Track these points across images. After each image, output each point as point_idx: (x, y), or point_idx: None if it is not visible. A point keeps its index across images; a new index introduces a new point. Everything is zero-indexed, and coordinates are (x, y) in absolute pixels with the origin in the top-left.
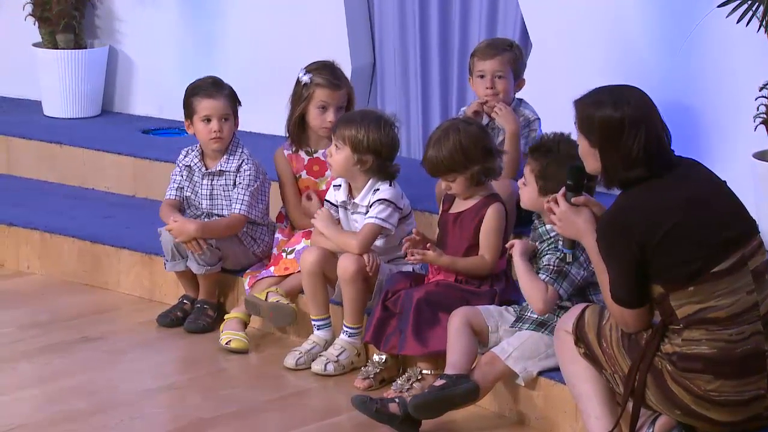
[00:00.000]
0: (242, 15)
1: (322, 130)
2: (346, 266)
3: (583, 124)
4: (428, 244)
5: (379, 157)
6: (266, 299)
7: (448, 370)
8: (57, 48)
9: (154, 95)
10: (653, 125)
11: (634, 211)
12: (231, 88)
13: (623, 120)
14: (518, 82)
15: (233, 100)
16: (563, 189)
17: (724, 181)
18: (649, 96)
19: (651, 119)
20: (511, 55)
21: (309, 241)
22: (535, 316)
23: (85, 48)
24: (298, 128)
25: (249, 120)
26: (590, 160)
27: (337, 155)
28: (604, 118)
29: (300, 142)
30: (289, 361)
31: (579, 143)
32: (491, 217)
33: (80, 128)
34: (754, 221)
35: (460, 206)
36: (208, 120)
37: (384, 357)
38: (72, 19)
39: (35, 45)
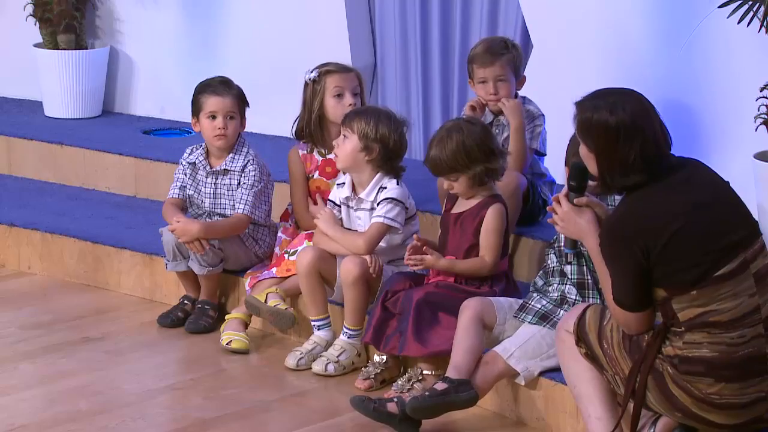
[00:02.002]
0: (243, 15)
1: None
2: (349, 269)
3: (581, 128)
4: (425, 248)
5: (386, 148)
6: (266, 300)
7: (451, 373)
8: (58, 48)
9: (155, 96)
10: (651, 131)
11: (636, 217)
12: (240, 89)
13: (618, 126)
14: (519, 80)
15: (241, 101)
16: (565, 189)
17: (728, 183)
18: (647, 100)
19: (648, 126)
20: (509, 56)
21: (311, 242)
22: (539, 306)
23: (86, 48)
24: (317, 128)
25: (249, 120)
26: (590, 164)
27: (344, 145)
28: (599, 124)
29: (318, 142)
30: (290, 361)
31: (581, 147)
32: (491, 217)
33: (81, 129)
34: (757, 224)
35: (461, 206)
36: (214, 117)
37: (384, 357)
38: (73, 19)
39: (36, 45)
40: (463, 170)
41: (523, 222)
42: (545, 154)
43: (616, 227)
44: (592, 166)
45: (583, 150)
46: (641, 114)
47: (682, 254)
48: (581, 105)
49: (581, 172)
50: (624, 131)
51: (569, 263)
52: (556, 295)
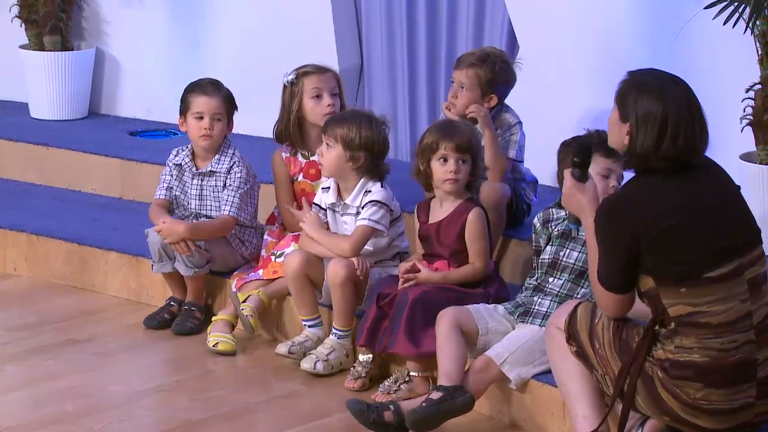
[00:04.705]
0: (230, 17)
1: (323, 119)
2: (336, 271)
3: (622, 98)
4: (417, 261)
5: (371, 155)
6: (245, 301)
7: (443, 381)
8: (43, 50)
9: (142, 97)
10: (689, 125)
11: (634, 204)
12: (229, 91)
13: (660, 113)
14: (488, 98)
15: (229, 103)
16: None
17: (738, 187)
18: (694, 96)
19: (687, 119)
20: (480, 70)
21: (297, 244)
22: (544, 310)
23: (72, 50)
24: (297, 130)
25: (236, 121)
26: (615, 133)
27: (329, 154)
28: (643, 103)
29: (298, 144)
30: (281, 349)
31: (612, 112)
32: (473, 223)
33: (67, 130)
34: (759, 231)
35: (437, 215)
36: (200, 117)
37: (370, 356)
38: (59, 20)
39: (22, 47)
40: None
41: (508, 225)
42: (522, 161)
43: (612, 208)
44: (616, 136)
45: (613, 117)
46: (685, 107)
47: (670, 249)
48: (633, 76)
49: (585, 150)
50: (664, 118)
51: (573, 239)
52: (557, 290)
